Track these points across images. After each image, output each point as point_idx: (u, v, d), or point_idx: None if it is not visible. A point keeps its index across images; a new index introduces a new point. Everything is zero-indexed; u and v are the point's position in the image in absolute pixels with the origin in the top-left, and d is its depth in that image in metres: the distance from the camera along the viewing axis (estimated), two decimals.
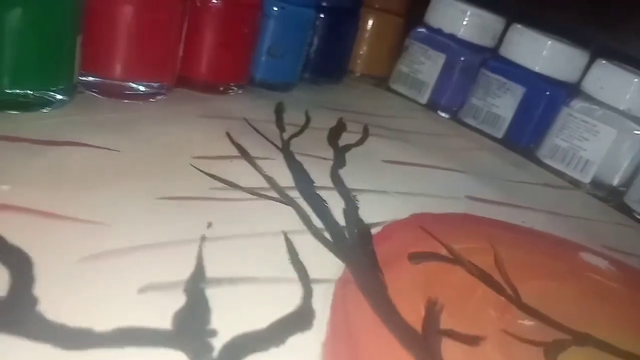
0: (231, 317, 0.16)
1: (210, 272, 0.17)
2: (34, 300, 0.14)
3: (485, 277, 0.23)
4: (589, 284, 0.25)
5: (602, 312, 0.23)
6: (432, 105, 0.43)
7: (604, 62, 0.38)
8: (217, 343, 0.15)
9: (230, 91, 0.33)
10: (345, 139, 0.32)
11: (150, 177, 0.22)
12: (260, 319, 0.16)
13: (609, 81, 0.37)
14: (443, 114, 0.43)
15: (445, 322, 0.19)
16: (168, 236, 0.18)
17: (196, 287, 0.16)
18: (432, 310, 0.19)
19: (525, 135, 0.40)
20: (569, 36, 0.39)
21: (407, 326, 0.18)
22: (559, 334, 0.21)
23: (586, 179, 0.37)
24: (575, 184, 0.37)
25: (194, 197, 0.21)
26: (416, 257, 0.22)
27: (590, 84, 0.38)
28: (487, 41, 0.42)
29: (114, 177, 0.21)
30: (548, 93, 0.39)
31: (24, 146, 0.21)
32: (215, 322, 0.15)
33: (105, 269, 0.16)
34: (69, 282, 0.15)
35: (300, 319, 0.17)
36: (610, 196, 0.37)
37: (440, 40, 0.42)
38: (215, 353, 0.14)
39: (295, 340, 0.16)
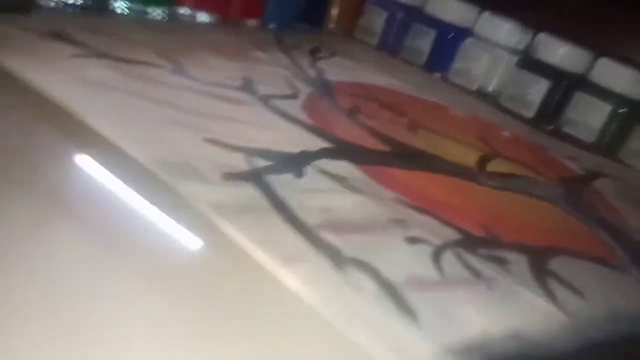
0: (266, 92, 0.37)
1: (254, 81, 0.39)
2: (184, 66, 0.35)
3: (388, 107, 0.44)
4: (449, 118, 0.47)
5: (452, 132, 0.45)
6: (380, 47, 0.64)
7: (487, 13, 0.59)
8: (261, 95, 0.36)
9: (250, 24, 0.54)
10: (319, 55, 0.54)
11: (221, 52, 0.43)
12: (277, 92, 0.37)
13: (490, 25, 0.59)
14: (387, 53, 0.64)
15: (362, 113, 0.40)
16: (236, 71, 0.40)
17: (247, 80, 0.38)
18: (356, 107, 0.41)
19: (438, 63, 0.61)
20: None
21: (342, 107, 0.39)
22: (422, 127, 0.42)
23: (473, 87, 0.59)
24: (468, 92, 0.59)
25: (242, 59, 0.43)
26: (354, 95, 0.44)
27: (479, 28, 0.59)
28: (416, 2, 0.63)
29: (202, 49, 0.42)
30: (452, 34, 0.60)
31: (154, 31, 0.43)
32: (260, 92, 0.37)
33: (219, 65, 0.37)
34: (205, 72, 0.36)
35: (292, 95, 0.38)
36: (489, 99, 0.58)
37: (386, 3, 0.63)
38: (258, 97, 0.36)
39: (289, 100, 0.37)
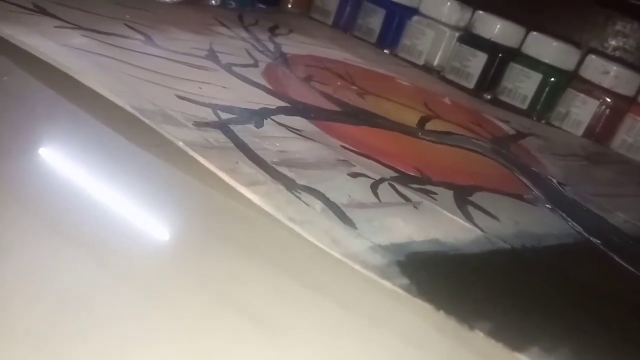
0: (229, 61, 0.41)
1: (218, 52, 0.43)
2: (153, 38, 0.39)
3: (340, 76, 0.49)
4: (394, 87, 0.52)
5: (396, 97, 0.50)
6: (335, 25, 0.69)
7: None
8: (225, 63, 0.40)
9: (212, 2, 0.58)
10: (277, 32, 0.58)
11: (187, 27, 0.47)
12: (239, 62, 0.42)
13: (434, 4, 0.64)
14: (341, 31, 0.69)
15: (315, 80, 0.45)
16: (201, 43, 0.44)
17: (211, 51, 0.42)
18: (310, 76, 0.45)
19: (387, 40, 0.66)
20: None
21: (297, 76, 0.44)
22: (369, 94, 0.47)
23: (420, 62, 0.64)
24: (415, 66, 0.64)
25: (206, 33, 0.47)
26: (308, 65, 0.48)
27: (424, 7, 0.65)
28: None
29: (169, 24, 0.46)
30: (399, 13, 0.65)
31: (123, 7, 0.46)
32: (223, 61, 0.41)
33: (185, 37, 0.41)
34: None
35: (253, 64, 0.42)
36: (435, 73, 0.64)
37: None
38: (221, 65, 0.40)
39: (250, 68, 0.41)
